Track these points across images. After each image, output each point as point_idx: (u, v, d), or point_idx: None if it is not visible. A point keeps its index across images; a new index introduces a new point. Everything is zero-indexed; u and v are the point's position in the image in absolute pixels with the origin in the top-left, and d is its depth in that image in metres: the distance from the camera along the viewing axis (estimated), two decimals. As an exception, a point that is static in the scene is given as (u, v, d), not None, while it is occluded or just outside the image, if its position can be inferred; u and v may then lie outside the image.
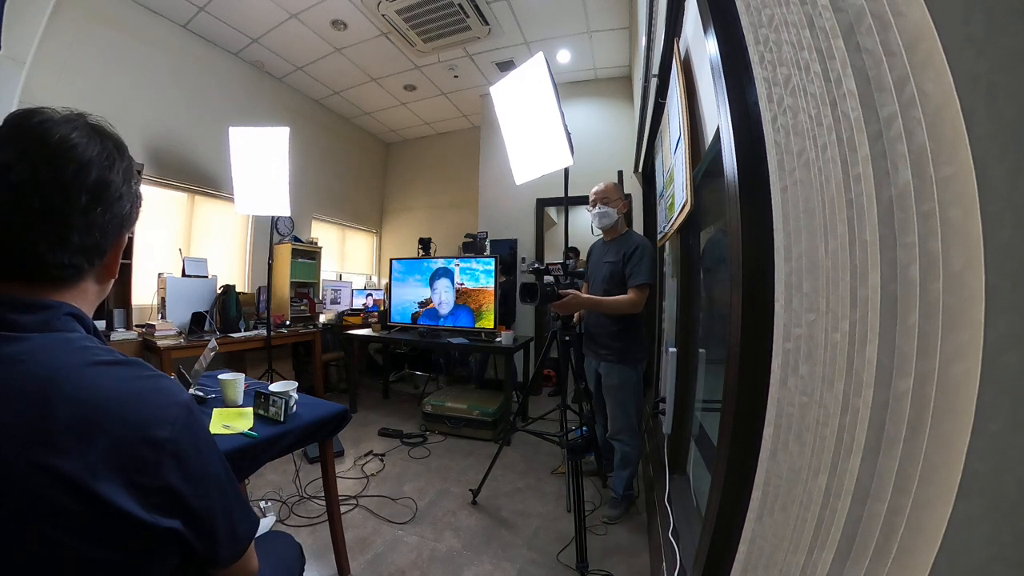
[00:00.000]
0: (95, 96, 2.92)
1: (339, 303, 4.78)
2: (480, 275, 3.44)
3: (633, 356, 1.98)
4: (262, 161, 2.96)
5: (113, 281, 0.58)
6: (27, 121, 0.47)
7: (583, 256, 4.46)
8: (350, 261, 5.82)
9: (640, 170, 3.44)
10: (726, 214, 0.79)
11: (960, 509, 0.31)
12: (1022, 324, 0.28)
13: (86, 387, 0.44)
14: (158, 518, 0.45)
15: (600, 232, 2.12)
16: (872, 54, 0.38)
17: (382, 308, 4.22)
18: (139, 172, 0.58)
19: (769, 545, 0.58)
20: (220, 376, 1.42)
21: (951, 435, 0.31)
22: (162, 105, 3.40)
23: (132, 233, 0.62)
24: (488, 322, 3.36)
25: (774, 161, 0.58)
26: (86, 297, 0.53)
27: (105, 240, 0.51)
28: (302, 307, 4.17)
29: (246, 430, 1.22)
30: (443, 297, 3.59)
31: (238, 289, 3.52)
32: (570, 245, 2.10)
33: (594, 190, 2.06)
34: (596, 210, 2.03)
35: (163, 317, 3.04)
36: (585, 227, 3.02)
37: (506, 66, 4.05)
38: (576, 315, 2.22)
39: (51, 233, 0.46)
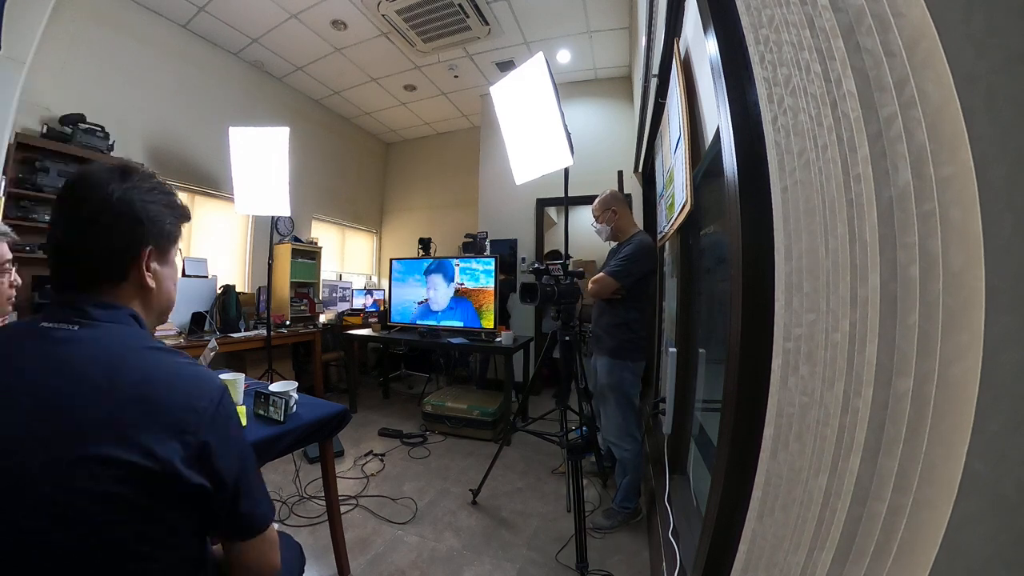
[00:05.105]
0: (95, 96, 2.92)
1: (343, 302, 4.79)
2: (480, 275, 3.44)
3: (627, 353, 1.96)
4: (262, 161, 2.95)
5: (156, 293, 0.70)
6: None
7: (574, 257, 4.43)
8: (350, 261, 5.81)
9: (640, 170, 3.44)
10: (726, 214, 0.79)
11: (960, 509, 0.31)
12: (1022, 324, 0.28)
13: (144, 362, 0.58)
14: (192, 473, 0.54)
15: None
16: (872, 54, 0.38)
17: (382, 308, 4.22)
18: (176, 196, 0.70)
19: (769, 545, 0.58)
20: (220, 376, 1.41)
21: (951, 435, 0.31)
22: (162, 105, 3.40)
23: (177, 252, 0.78)
24: (488, 322, 3.36)
25: (774, 161, 0.58)
26: (132, 303, 0.66)
27: (110, 253, 0.62)
28: (302, 307, 4.16)
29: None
30: (438, 291, 3.57)
31: (238, 289, 3.52)
32: (567, 253, 2.10)
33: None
34: (595, 228, 2.15)
35: (163, 317, 3.04)
36: (585, 227, 3.03)
37: (506, 66, 4.05)
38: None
39: (75, 251, 0.61)
